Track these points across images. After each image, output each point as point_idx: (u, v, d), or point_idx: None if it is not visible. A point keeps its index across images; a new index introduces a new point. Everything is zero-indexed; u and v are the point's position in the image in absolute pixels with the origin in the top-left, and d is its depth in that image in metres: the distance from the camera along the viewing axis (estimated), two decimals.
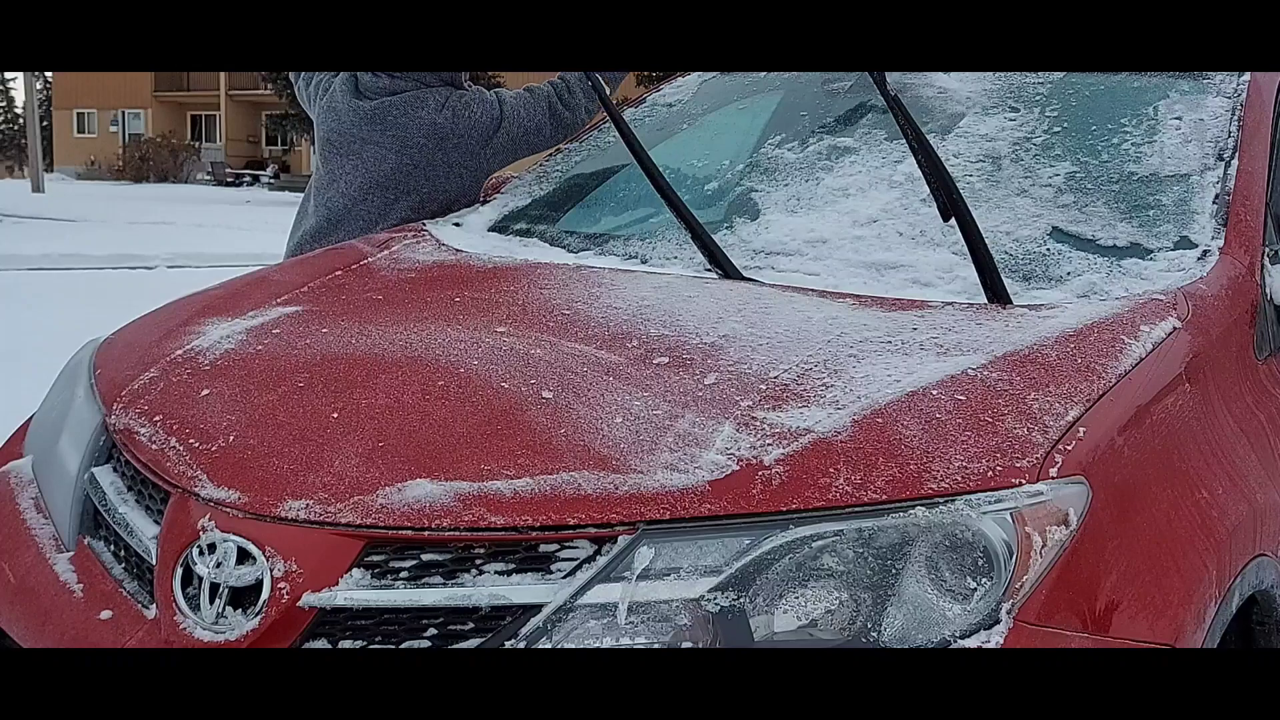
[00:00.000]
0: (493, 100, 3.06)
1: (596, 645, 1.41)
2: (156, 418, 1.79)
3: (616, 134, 2.42)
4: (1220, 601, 1.60)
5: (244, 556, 1.53)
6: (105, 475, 1.82)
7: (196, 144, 45.49)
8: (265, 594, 1.50)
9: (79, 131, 49.48)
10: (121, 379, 1.95)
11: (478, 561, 1.46)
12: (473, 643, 1.45)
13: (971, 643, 1.39)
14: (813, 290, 2.04)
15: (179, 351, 1.99)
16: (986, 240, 1.96)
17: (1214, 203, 2.17)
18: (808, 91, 2.92)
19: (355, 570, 1.48)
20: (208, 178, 41.38)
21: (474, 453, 1.54)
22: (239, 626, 1.51)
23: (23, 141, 41.93)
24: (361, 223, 3.09)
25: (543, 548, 1.46)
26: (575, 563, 1.45)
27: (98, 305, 7.43)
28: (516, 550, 1.46)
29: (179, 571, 1.57)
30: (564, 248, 2.45)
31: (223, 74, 42.69)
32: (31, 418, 2.21)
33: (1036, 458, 1.49)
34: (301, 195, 3.32)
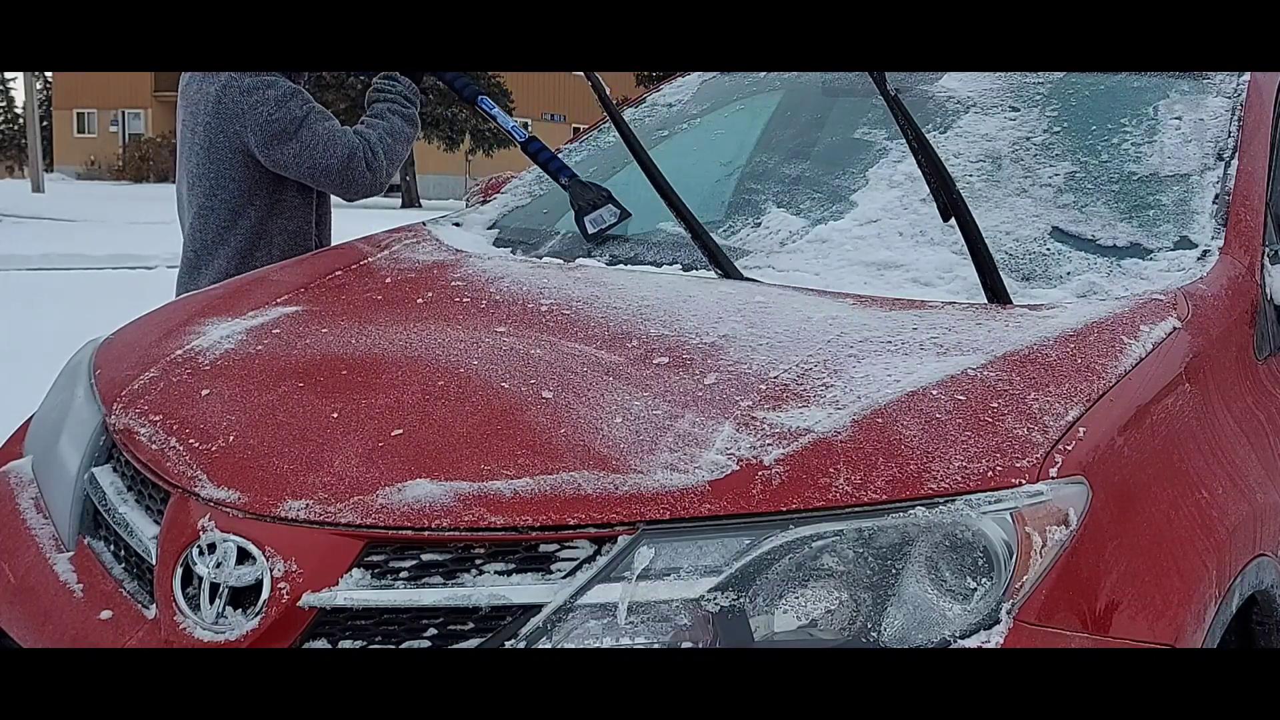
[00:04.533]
0: (298, 115, 2.82)
1: (596, 645, 1.41)
2: (156, 418, 1.79)
3: (616, 134, 2.42)
4: (1220, 601, 1.60)
5: (244, 556, 1.53)
6: (105, 475, 1.82)
7: None
8: (265, 594, 1.50)
9: (79, 131, 49.48)
10: (121, 379, 1.95)
11: (478, 561, 1.46)
12: (473, 643, 1.45)
13: (971, 643, 1.39)
14: (813, 290, 2.04)
15: (179, 351, 1.99)
16: (986, 240, 1.96)
17: (1214, 203, 2.17)
18: (808, 91, 2.92)
19: (355, 570, 1.48)
20: None
21: (474, 453, 1.54)
22: (239, 626, 1.51)
23: (23, 141, 41.94)
24: (186, 217, 2.97)
25: (543, 548, 1.46)
26: (575, 563, 1.45)
27: (98, 305, 7.43)
28: (516, 550, 1.46)
29: (179, 571, 1.57)
30: (564, 247, 2.45)
31: None
32: (31, 418, 2.21)
33: (1036, 458, 1.49)
34: None
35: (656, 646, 1.40)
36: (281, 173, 2.90)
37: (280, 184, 2.93)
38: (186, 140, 2.92)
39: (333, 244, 2.98)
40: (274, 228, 2.92)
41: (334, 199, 3.09)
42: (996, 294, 1.94)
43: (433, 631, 1.46)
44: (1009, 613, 1.40)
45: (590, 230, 2.46)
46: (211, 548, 1.55)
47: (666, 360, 1.73)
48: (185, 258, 2.95)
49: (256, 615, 1.50)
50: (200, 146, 2.86)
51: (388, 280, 2.26)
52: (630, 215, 2.48)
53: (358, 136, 2.91)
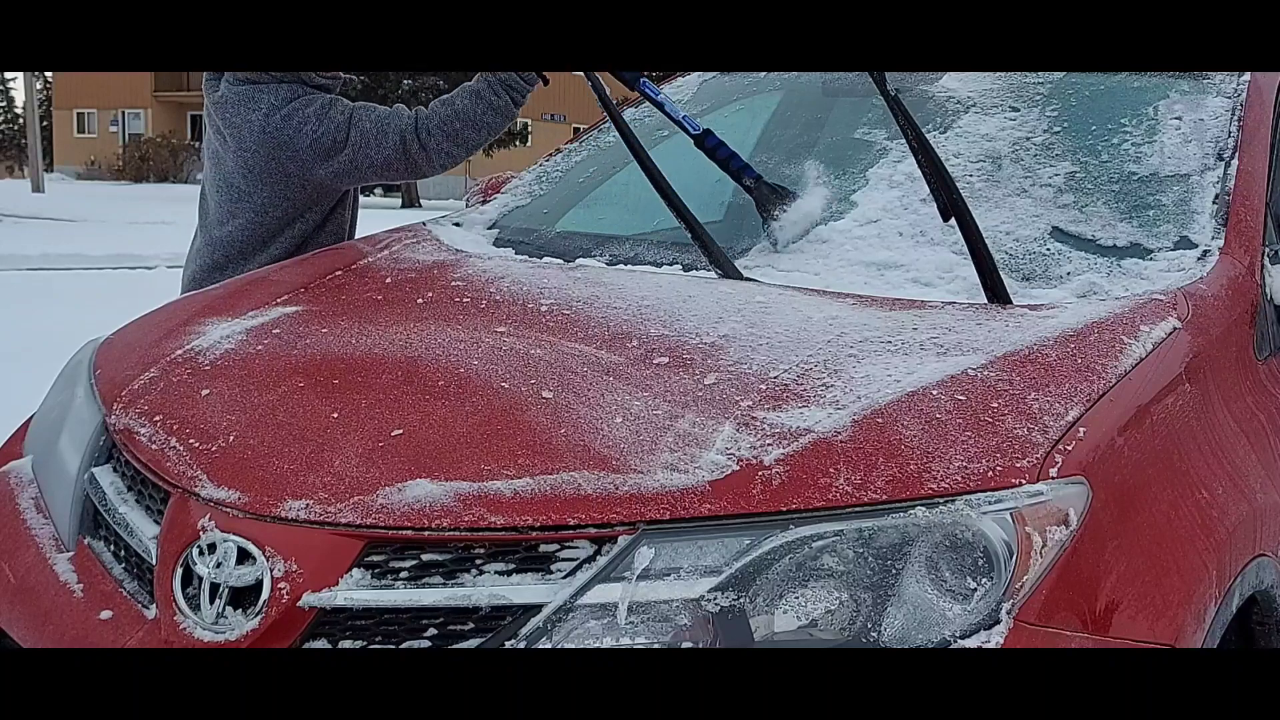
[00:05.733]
0: (342, 121, 2.75)
1: (596, 645, 1.41)
2: (156, 418, 1.79)
3: (616, 134, 2.42)
4: (1220, 601, 1.60)
5: (244, 556, 1.53)
6: (105, 475, 1.82)
7: (196, 144, 45.36)
8: (265, 594, 1.50)
9: (79, 131, 49.48)
10: (121, 379, 1.95)
11: (478, 561, 1.46)
12: (473, 643, 1.45)
13: (971, 643, 1.39)
14: (813, 290, 2.04)
15: (179, 351, 1.99)
16: (986, 240, 1.96)
17: (1214, 203, 2.17)
18: (808, 91, 2.92)
19: (355, 570, 1.48)
20: None
21: (474, 453, 1.54)
22: (239, 626, 1.51)
23: (23, 141, 41.93)
24: (215, 221, 2.88)
25: (543, 548, 1.46)
26: (575, 563, 1.45)
27: (98, 305, 7.43)
28: (516, 550, 1.46)
29: (179, 571, 1.57)
30: (564, 247, 2.45)
31: None
32: (31, 418, 2.21)
33: (1036, 458, 1.49)
34: None
35: (656, 646, 1.40)
36: (348, 182, 2.84)
37: (336, 204, 2.88)
38: (233, 158, 2.82)
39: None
40: (312, 243, 2.87)
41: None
42: (996, 294, 1.94)
43: (433, 631, 1.46)
44: (1009, 613, 1.40)
45: (780, 239, 2.25)
46: (211, 548, 1.55)
47: (666, 360, 1.73)
48: (213, 259, 2.88)
49: (256, 615, 1.50)
50: (251, 169, 2.78)
51: (388, 280, 2.26)
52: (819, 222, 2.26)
53: (413, 117, 2.79)
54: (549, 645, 1.42)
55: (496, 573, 1.45)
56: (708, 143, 2.44)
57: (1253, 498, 1.77)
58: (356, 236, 2.91)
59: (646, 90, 2.55)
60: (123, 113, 48.20)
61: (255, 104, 2.75)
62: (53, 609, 1.71)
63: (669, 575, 1.42)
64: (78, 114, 49.51)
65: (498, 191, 2.97)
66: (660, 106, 2.52)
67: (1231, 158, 2.25)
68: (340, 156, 2.75)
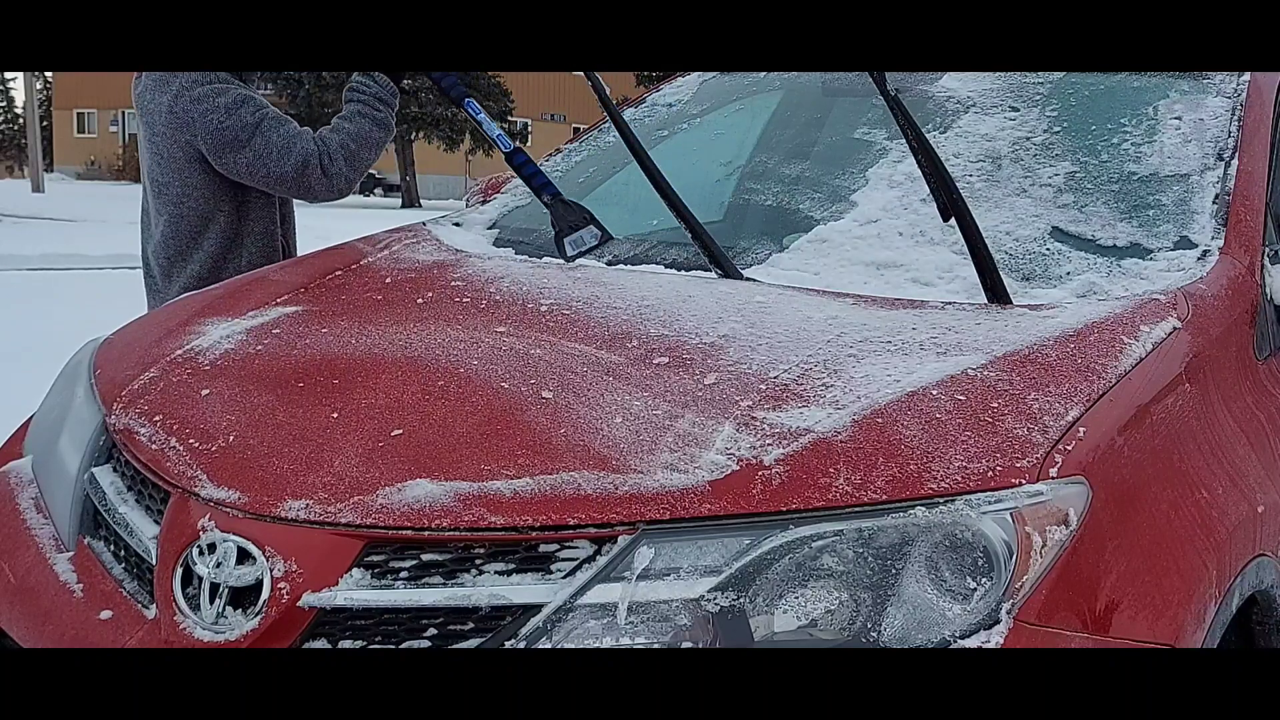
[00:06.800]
0: (250, 123, 2.74)
1: (596, 645, 1.41)
2: (156, 418, 1.79)
3: (616, 134, 2.42)
4: (1220, 601, 1.60)
5: (244, 556, 1.53)
6: (105, 475, 1.82)
7: None
8: (265, 594, 1.50)
9: (79, 131, 49.53)
10: (121, 379, 1.95)
11: (478, 561, 1.46)
12: (473, 643, 1.45)
13: (971, 643, 1.39)
14: (813, 290, 2.04)
15: (179, 351, 1.99)
16: (986, 240, 1.96)
17: (1214, 203, 2.17)
18: (808, 91, 2.92)
19: (355, 570, 1.48)
20: None
21: (474, 453, 1.54)
22: (239, 626, 1.51)
23: (23, 141, 41.94)
24: (152, 224, 2.90)
25: (543, 548, 1.46)
26: (575, 563, 1.45)
27: (98, 305, 7.42)
28: (516, 550, 1.46)
29: (179, 571, 1.57)
30: (564, 247, 2.45)
31: None
32: (31, 418, 2.21)
33: (1036, 458, 1.49)
34: None
35: (656, 646, 1.40)
36: (236, 180, 2.84)
37: (244, 188, 2.88)
38: (147, 149, 2.86)
39: (331, 244, 2.97)
40: (245, 230, 2.89)
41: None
42: (996, 294, 1.94)
43: (433, 631, 1.46)
44: (1009, 613, 1.40)
45: (570, 252, 2.40)
46: (211, 548, 1.55)
47: (666, 360, 1.73)
48: (158, 264, 2.90)
49: (256, 615, 1.50)
50: (161, 156, 2.81)
51: (388, 280, 2.26)
52: (612, 238, 2.44)
53: (317, 142, 2.81)
54: (549, 645, 1.42)
55: (496, 573, 1.45)
56: (515, 159, 2.66)
57: (1253, 498, 1.77)
58: (355, 238, 2.91)
59: (469, 108, 2.80)
60: (123, 113, 48.24)
61: (166, 87, 2.77)
62: (53, 609, 1.71)
63: (669, 575, 1.42)
64: (78, 114, 49.56)
65: (498, 191, 2.97)
66: (478, 124, 2.80)
67: (1231, 158, 2.25)
68: (237, 156, 2.76)
